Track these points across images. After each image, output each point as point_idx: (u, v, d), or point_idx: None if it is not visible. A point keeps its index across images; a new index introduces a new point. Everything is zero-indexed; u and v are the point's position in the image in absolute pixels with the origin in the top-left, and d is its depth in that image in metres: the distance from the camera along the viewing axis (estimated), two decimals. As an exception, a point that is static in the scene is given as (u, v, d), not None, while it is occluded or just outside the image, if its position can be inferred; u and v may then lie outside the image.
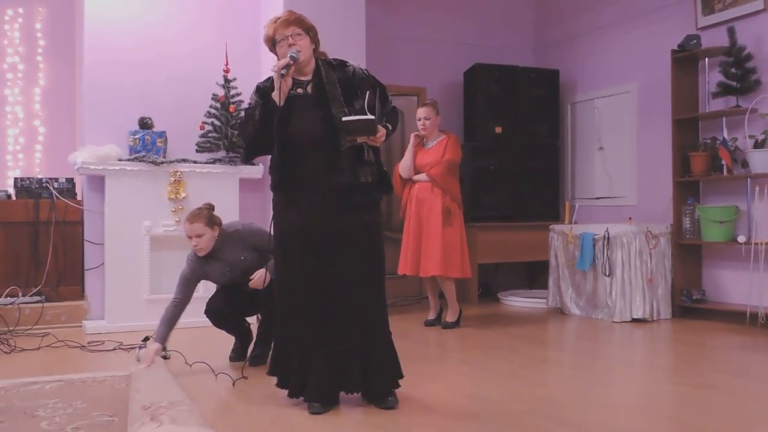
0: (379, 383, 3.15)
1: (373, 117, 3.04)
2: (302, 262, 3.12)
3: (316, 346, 3.10)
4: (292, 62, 3.08)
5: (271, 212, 6.01)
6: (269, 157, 3.26)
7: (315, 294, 3.10)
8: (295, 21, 3.17)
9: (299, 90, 3.19)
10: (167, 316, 3.95)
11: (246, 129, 3.24)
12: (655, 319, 5.75)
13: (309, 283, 3.11)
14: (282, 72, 3.05)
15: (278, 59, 3.16)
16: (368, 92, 3.17)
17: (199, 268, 4.07)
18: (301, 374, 3.13)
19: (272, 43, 3.21)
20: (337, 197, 3.09)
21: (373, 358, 3.13)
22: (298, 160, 3.12)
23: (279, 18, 3.19)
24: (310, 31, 3.20)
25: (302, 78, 3.21)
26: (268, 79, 3.22)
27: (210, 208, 4.06)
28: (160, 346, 3.84)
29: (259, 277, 3.96)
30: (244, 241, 4.06)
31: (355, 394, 3.19)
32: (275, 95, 3.09)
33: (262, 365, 3.96)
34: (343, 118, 3.02)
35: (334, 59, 3.29)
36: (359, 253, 3.13)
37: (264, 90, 3.21)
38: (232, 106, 5.79)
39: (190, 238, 3.97)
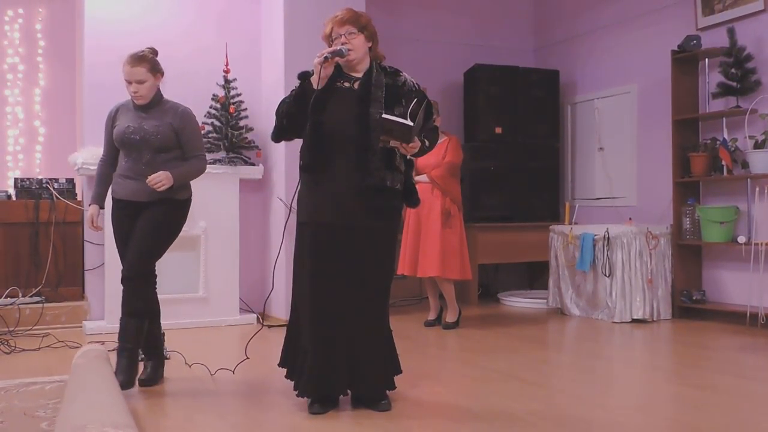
0: (370, 388, 3.15)
1: (411, 124, 3.02)
2: (315, 258, 3.12)
3: (315, 344, 3.10)
4: (335, 55, 3.08)
5: (272, 212, 6.03)
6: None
7: (322, 291, 3.10)
8: (349, 20, 3.19)
9: (345, 83, 3.20)
10: (98, 174, 3.74)
11: (280, 108, 3.23)
12: (655, 319, 5.75)
13: (318, 279, 3.11)
14: (326, 56, 3.06)
15: None
16: (415, 100, 3.18)
17: (113, 115, 3.69)
18: (302, 369, 3.15)
19: (329, 41, 3.24)
20: (361, 197, 3.10)
21: (367, 364, 3.13)
22: (329, 150, 3.11)
23: (337, 16, 3.21)
24: (365, 29, 3.21)
25: (353, 74, 3.22)
26: None
27: (154, 52, 3.66)
28: (97, 207, 3.70)
29: (156, 176, 3.46)
30: (175, 118, 3.61)
31: (344, 396, 3.19)
32: (313, 78, 3.10)
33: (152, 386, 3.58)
34: (383, 115, 3.01)
35: (389, 66, 3.31)
36: (371, 257, 3.14)
37: (305, 73, 3.21)
38: (232, 106, 5.79)
39: (129, 83, 3.56)
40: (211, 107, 5.81)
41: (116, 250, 3.72)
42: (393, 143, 3.07)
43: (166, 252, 3.69)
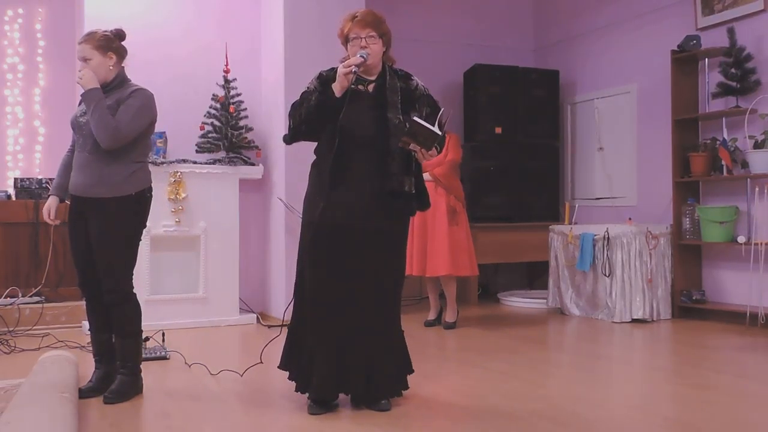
0: (379, 390, 3.16)
1: (440, 133, 3.02)
2: (326, 259, 3.11)
3: (323, 345, 3.11)
4: (360, 66, 3.07)
5: (272, 212, 6.03)
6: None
7: (331, 293, 3.11)
8: (372, 23, 3.16)
9: (359, 86, 3.19)
10: (60, 164, 3.52)
11: (298, 110, 3.19)
12: (655, 319, 5.75)
13: (327, 281, 3.11)
14: (353, 69, 3.05)
15: (348, 56, 3.16)
16: (442, 110, 3.17)
17: (80, 102, 3.46)
18: (309, 371, 3.15)
19: (345, 39, 3.22)
20: (379, 200, 3.10)
21: (378, 366, 3.13)
22: (348, 154, 3.11)
23: (357, 16, 3.18)
24: (384, 35, 3.21)
25: (367, 77, 3.22)
26: (332, 69, 3.18)
27: (114, 32, 3.44)
28: (56, 200, 3.47)
29: (85, 73, 3.29)
30: (125, 95, 3.35)
31: (356, 395, 3.20)
32: (335, 86, 3.08)
33: (115, 402, 3.31)
34: (414, 117, 3.01)
35: (400, 69, 3.31)
36: (384, 259, 3.15)
37: (326, 78, 3.18)
38: (231, 106, 5.79)
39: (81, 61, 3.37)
40: (210, 107, 5.81)
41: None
42: (413, 147, 3.05)
43: (138, 250, 3.46)
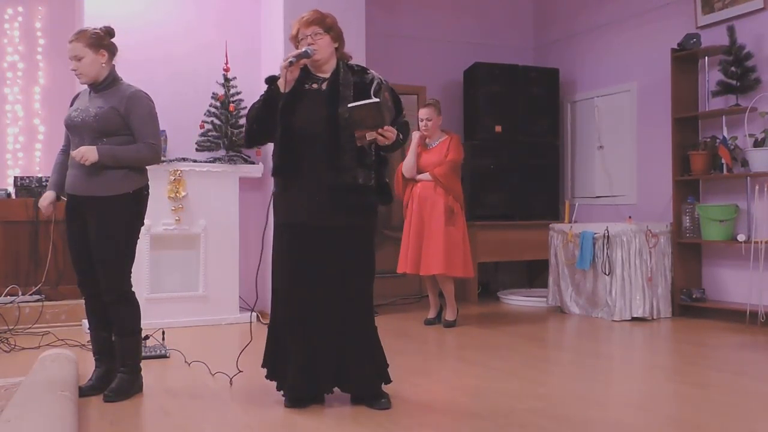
0: (360, 385, 3.18)
1: (377, 100, 3.00)
2: (294, 258, 3.15)
3: (295, 345, 3.14)
4: (301, 57, 3.10)
5: (271, 211, 6.04)
6: (268, 152, 3.24)
7: (302, 292, 3.13)
8: (315, 20, 3.20)
9: (314, 85, 3.22)
10: (56, 162, 3.55)
11: (250, 112, 3.26)
12: (654, 317, 5.75)
13: (295, 278, 3.14)
14: (291, 60, 3.08)
15: None
16: (377, 81, 3.18)
17: (72, 100, 3.51)
18: (285, 368, 3.18)
19: (296, 42, 3.26)
20: (334, 196, 3.11)
21: (352, 361, 3.15)
22: (300, 152, 3.13)
23: (303, 17, 3.23)
24: (330, 30, 3.23)
25: (320, 75, 3.24)
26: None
27: (104, 30, 3.44)
28: (53, 193, 3.47)
29: (77, 151, 3.25)
30: (121, 102, 3.34)
31: (330, 394, 3.23)
32: (280, 82, 3.13)
33: (115, 400, 3.33)
34: (348, 105, 3.01)
35: (356, 65, 3.32)
36: (346, 255, 3.15)
37: (272, 77, 3.23)
38: (231, 105, 5.79)
39: (71, 62, 3.37)
40: (210, 105, 5.81)
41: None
42: (369, 136, 3.01)
43: (136, 248, 3.46)
